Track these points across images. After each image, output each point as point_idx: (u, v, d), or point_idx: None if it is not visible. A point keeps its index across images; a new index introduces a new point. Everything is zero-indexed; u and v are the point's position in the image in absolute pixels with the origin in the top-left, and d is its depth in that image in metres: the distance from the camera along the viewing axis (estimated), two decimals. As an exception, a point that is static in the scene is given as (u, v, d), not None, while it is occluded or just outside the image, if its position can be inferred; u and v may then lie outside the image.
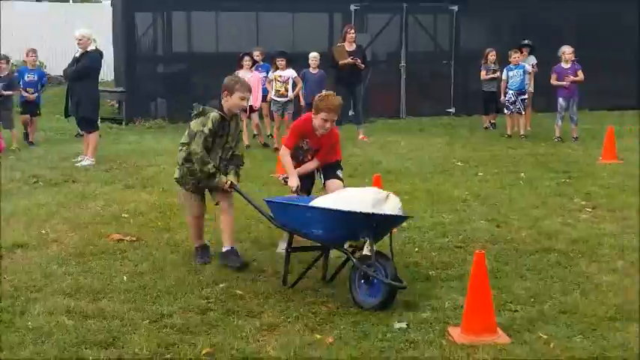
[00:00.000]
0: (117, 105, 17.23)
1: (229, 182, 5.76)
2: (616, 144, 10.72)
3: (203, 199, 6.09)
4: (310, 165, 6.13)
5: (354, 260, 5.02)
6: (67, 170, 10.06)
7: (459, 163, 10.45)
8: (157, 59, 16.61)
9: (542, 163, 10.40)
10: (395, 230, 5.87)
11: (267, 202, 5.61)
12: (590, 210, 7.60)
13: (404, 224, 6.69)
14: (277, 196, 6.25)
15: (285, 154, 6.05)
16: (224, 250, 5.94)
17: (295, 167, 6.03)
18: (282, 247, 5.96)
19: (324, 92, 6.03)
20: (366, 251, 4.93)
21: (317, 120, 5.89)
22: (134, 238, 6.66)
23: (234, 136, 5.91)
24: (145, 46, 16.54)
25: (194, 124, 5.76)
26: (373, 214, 4.91)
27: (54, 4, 25.40)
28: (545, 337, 4.44)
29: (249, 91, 5.82)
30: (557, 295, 5.15)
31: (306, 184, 6.19)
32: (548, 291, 5.24)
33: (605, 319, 4.70)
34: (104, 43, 18.91)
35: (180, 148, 5.91)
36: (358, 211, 4.90)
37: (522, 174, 9.55)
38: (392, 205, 5.08)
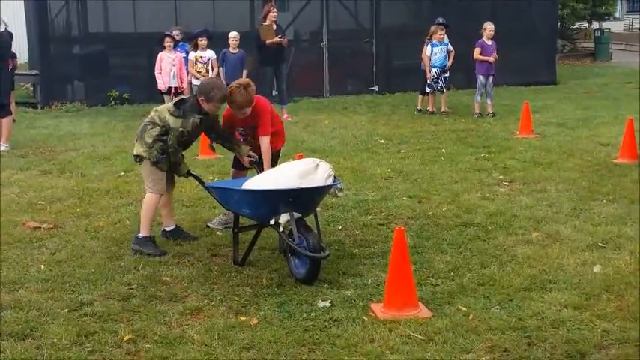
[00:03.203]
0: (32, 88, 16.65)
1: (188, 170, 5.92)
2: (532, 119, 11.04)
3: (171, 178, 6.10)
4: (264, 147, 6.04)
5: (280, 234, 5.22)
6: (-20, 157, 9.68)
7: (383, 141, 10.57)
8: (72, 40, 16.07)
9: (462, 139, 10.62)
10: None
11: (207, 187, 5.73)
12: (507, 184, 7.82)
13: (328, 202, 6.75)
14: (219, 181, 6.36)
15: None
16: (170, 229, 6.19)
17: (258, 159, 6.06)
18: (213, 222, 6.44)
19: (232, 86, 5.81)
20: (284, 224, 5.10)
21: (236, 112, 5.94)
22: (51, 226, 6.48)
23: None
24: (60, 26, 15.98)
25: (173, 121, 5.72)
26: (285, 189, 5.03)
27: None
28: (464, 309, 4.56)
29: (225, 100, 5.81)
30: (475, 267, 5.30)
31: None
32: (467, 264, 5.38)
33: (520, 289, 4.86)
34: (18, 23, 18.24)
35: (148, 127, 5.83)
36: (268, 189, 5.10)
37: (443, 150, 9.73)
38: (320, 175, 5.18)
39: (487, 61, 12.63)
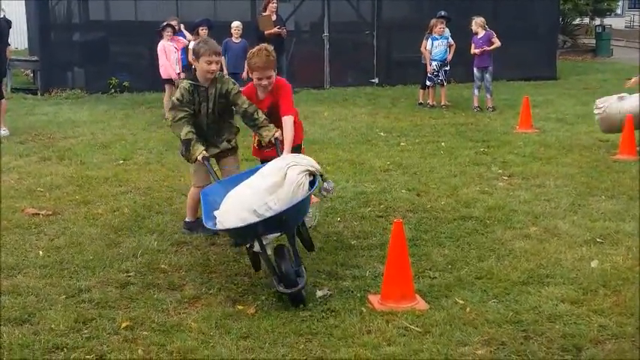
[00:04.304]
0: (32, 75, 16.61)
1: (201, 155, 5.40)
2: (531, 114, 11.04)
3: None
4: (288, 127, 5.42)
5: (261, 256, 4.67)
6: (-21, 143, 9.67)
7: (382, 133, 10.56)
8: (72, 27, 16.03)
9: (462, 132, 10.62)
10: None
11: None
12: (506, 178, 7.82)
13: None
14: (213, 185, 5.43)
15: None
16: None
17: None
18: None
19: (254, 49, 5.48)
20: (256, 248, 4.60)
21: (254, 81, 5.57)
22: (50, 213, 6.48)
23: (218, 102, 5.62)
24: (60, 13, 15.94)
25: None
26: (244, 226, 4.46)
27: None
28: (461, 302, 4.57)
29: (217, 53, 5.52)
30: (473, 261, 5.30)
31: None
32: (465, 257, 5.38)
33: (518, 283, 4.86)
34: (17, 10, 18.21)
35: None
36: (229, 227, 4.54)
37: (443, 143, 9.73)
38: (287, 189, 4.57)
39: (480, 54, 12.61)
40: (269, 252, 4.62)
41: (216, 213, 4.78)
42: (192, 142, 5.45)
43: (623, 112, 8.92)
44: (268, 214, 4.49)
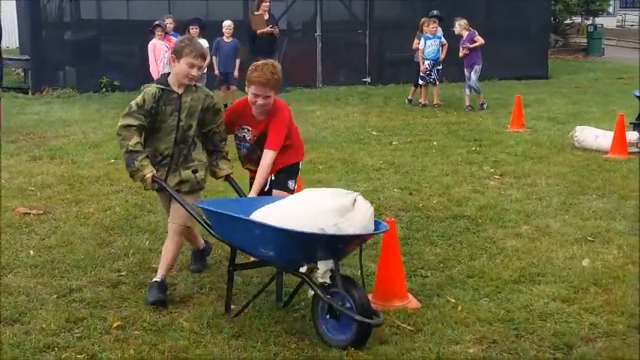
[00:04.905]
0: (23, 74, 16.54)
1: (150, 173, 4.46)
2: (523, 113, 11.07)
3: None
4: (264, 163, 4.73)
5: (316, 289, 3.98)
6: (-31, 142, 9.63)
7: (374, 132, 10.57)
8: (64, 26, 15.98)
9: (454, 131, 10.64)
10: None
11: (204, 209, 4.35)
12: (498, 177, 7.84)
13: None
14: (217, 198, 4.97)
15: None
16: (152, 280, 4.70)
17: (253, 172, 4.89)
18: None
19: (259, 62, 4.77)
20: (322, 276, 3.97)
21: (249, 97, 4.76)
22: (41, 212, 6.46)
23: (193, 113, 4.61)
24: (52, 12, 15.90)
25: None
26: (341, 235, 3.87)
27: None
28: (453, 300, 4.58)
29: (203, 57, 4.61)
30: (465, 260, 5.31)
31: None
32: (457, 256, 5.39)
33: (509, 282, 4.87)
34: (8, 9, 18.12)
35: None
36: (324, 233, 3.83)
37: (435, 142, 9.75)
38: (362, 215, 3.96)
39: (464, 55, 12.71)
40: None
41: (260, 213, 4.09)
42: (140, 155, 4.43)
43: (599, 146, 9.09)
44: (351, 231, 3.89)
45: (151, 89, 4.55)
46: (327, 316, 4.03)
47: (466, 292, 4.70)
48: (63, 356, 3.87)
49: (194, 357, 3.89)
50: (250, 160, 4.96)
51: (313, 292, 4.06)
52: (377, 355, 3.89)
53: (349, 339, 3.92)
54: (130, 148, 4.41)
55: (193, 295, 4.70)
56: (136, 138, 4.45)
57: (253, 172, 4.86)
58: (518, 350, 3.95)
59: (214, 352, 3.93)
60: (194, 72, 4.54)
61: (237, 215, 4.07)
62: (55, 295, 4.64)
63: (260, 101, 4.71)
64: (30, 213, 6.41)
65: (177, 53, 4.56)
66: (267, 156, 4.71)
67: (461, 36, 12.85)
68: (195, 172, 4.66)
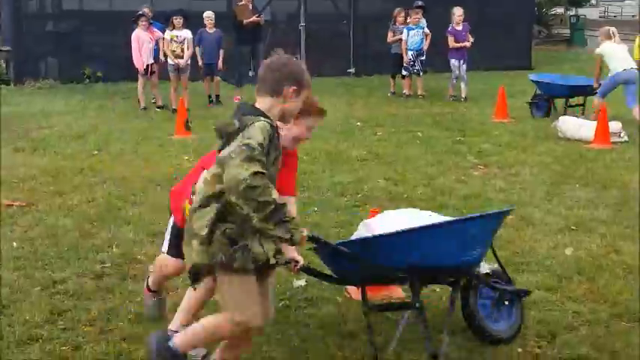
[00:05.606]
0: (4, 65, 16.37)
1: (307, 231, 3.29)
2: (507, 103, 11.11)
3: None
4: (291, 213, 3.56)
5: (476, 279, 3.90)
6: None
7: (359, 123, 10.57)
8: (45, 17, 15.84)
9: (438, 122, 10.66)
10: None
11: (360, 240, 3.85)
12: (482, 167, 7.87)
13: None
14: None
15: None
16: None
17: None
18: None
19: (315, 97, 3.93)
20: (484, 269, 3.95)
21: (299, 128, 3.80)
22: (24, 204, 6.41)
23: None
24: (33, 2, 15.75)
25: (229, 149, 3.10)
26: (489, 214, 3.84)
27: None
28: (438, 290, 4.58)
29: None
30: (450, 249, 5.32)
31: None
32: (441, 246, 5.39)
33: (494, 271, 4.89)
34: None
35: (205, 202, 3.17)
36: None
37: (419, 133, 9.76)
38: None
39: (463, 47, 12.69)
40: None
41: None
42: (289, 222, 3.13)
43: (582, 136, 9.18)
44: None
45: (264, 125, 3.15)
46: (493, 310, 3.98)
47: (451, 282, 4.70)
48: (47, 348, 3.84)
49: (179, 348, 3.86)
50: None
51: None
52: (363, 345, 3.89)
53: (516, 324, 4.00)
54: (279, 202, 3.09)
55: (178, 285, 4.68)
56: (273, 188, 3.12)
57: None
58: (503, 338, 3.97)
59: (199, 342, 3.91)
60: (309, 135, 3.89)
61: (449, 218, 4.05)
62: (39, 287, 4.61)
63: (309, 134, 3.96)
64: (13, 205, 6.36)
65: (298, 82, 3.46)
66: (293, 205, 3.74)
67: (457, 25, 12.80)
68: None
